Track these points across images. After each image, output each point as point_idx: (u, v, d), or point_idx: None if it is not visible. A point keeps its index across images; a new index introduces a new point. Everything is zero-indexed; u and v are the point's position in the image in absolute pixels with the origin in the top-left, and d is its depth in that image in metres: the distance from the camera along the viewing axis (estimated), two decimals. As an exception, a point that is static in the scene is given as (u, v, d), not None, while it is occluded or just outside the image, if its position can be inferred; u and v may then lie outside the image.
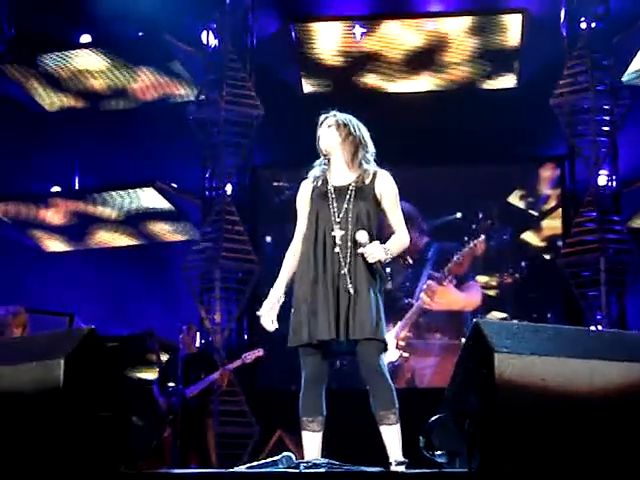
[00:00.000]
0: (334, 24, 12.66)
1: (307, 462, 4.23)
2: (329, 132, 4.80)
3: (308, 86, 13.17)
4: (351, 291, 4.56)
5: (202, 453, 8.87)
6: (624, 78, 11.67)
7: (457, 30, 12.47)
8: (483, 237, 11.86)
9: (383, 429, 4.58)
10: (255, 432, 10.98)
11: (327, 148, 4.80)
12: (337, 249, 4.64)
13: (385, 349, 4.63)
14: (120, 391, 4.15)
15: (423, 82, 13.04)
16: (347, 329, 4.54)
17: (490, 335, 3.76)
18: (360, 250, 4.57)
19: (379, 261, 4.57)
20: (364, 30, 12.55)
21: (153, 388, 9.05)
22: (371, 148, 4.83)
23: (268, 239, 12.40)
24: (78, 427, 3.87)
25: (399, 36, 12.56)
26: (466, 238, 11.92)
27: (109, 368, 4.11)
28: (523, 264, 12.05)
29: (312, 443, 4.66)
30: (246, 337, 11.92)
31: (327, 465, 4.13)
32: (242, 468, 4.44)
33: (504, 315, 11.85)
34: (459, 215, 12.14)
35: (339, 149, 4.78)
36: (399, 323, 11.71)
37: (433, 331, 11.83)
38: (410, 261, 12.01)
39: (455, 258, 11.69)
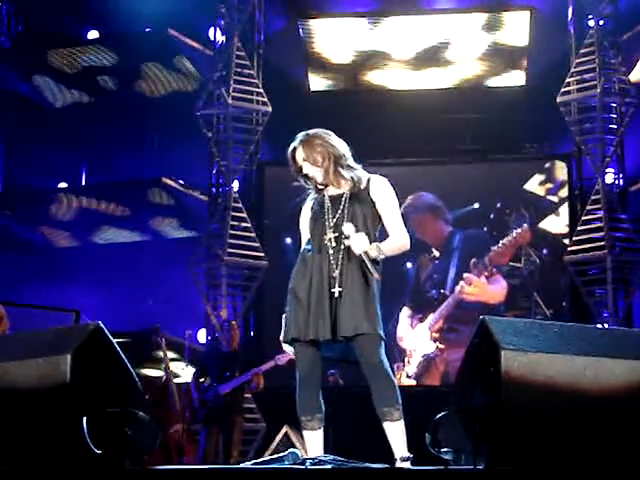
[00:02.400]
0: (341, 21, 12.66)
1: (313, 458, 4.23)
2: (309, 167, 4.76)
3: (315, 83, 13.16)
4: (336, 294, 4.57)
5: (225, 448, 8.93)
6: (631, 76, 11.64)
7: (465, 27, 12.46)
8: (526, 225, 11.63)
9: (386, 426, 4.55)
10: (261, 428, 10.99)
11: (321, 181, 4.78)
12: (330, 251, 4.65)
13: (384, 343, 4.62)
14: (126, 387, 4.15)
15: (431, 79, 13.03)
16: (338, 329, 4.54)
17: (497, 332, 3.75)
18: (346, 242, 4.55)
19: (373, 260, 4.56)
20: (372, 27, 12.54)
21: (189, 383, 9.12)
22: (347, 152, 4.77)
23: (287, 240, 12.28)
24: (84, 422, 3.88)
25: (407, 33, 12.54)
26: (485, 228, 11.84)
27: (115, 364, 4.11)
28: (545, 251, 11.86)
29: (313, 441, 4.65)
30: (252, 334, 11.94)
31: (333, 461, 4.13)
32: (248, 464, 4.45)
33: (529, 305, 11.63)
34: (477, 206, 12.02)
35: (324, 174, 4.75)
36: (431, 315, 11.61)
37: (464, 322, 11.59)
38: (436, 254, 11.89)
39: (496, 247, 11.52)
